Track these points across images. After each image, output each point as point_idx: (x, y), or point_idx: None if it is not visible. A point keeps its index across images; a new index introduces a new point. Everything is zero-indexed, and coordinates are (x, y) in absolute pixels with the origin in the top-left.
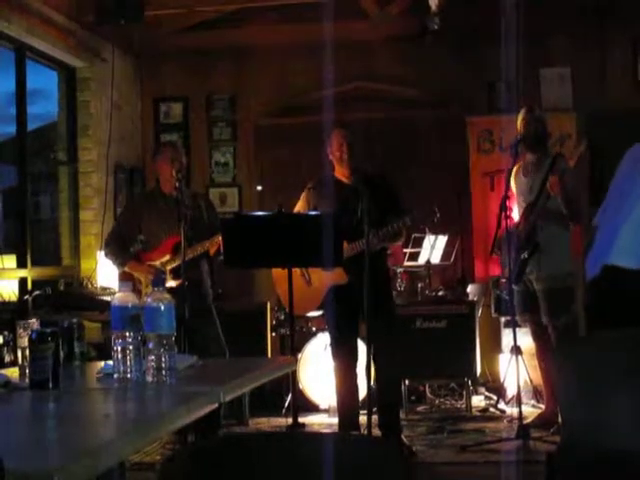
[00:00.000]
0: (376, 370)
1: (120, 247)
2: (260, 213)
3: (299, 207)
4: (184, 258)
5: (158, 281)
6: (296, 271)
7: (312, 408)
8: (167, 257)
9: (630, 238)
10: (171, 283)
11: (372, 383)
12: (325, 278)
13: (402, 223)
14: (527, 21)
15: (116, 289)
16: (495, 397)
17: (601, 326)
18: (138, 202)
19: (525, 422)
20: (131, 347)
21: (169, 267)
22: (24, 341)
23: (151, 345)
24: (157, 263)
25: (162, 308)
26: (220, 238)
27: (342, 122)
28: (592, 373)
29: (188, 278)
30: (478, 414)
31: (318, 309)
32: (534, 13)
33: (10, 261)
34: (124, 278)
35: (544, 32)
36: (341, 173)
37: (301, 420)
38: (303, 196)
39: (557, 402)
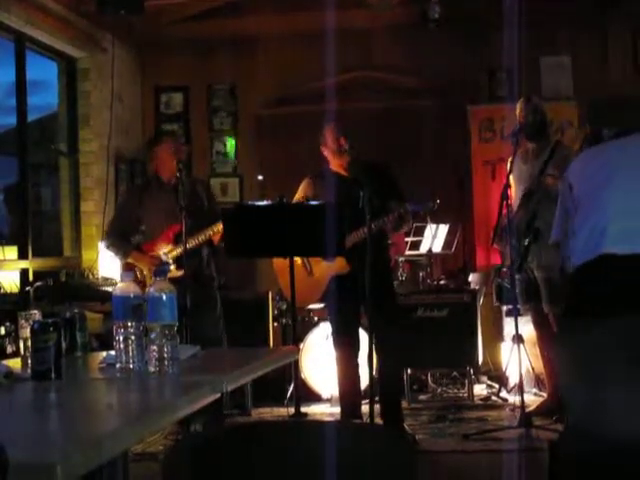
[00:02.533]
0: (378, 359)
1: (121, 239)
2: (261, 203)
3: (297, 198)
4: (185, 247)
5: (160, 271)
6: (297, 262)
7: (314, 398)
8: (169, 247)
9: (621, 225)
10: (174, 273)
11: (374, 372)
12: (326, 269)
13: (403, 210)
14: (528, 9)
15: (117, 280)
16: (497, 386)
17: (590, 314)
18: (136, 192)
19: (527, 410)
20: (133, 337)
21: (171, 257)
22: (26, 332)
23: (153, 335)
24: (160, 253)
25: (164, 298)
26: (220, 225)
27: (337, 115)
28: (593, 360)
29: (190, 267)
30: (480, 403)
31: (320, 301)
32: (535, 1)
33: (11, 252)
34: (127, 269)
35: (545, 20)
36: (338, 166)
37: (303, 410)
38: (302, 187)
39: (559, 390)
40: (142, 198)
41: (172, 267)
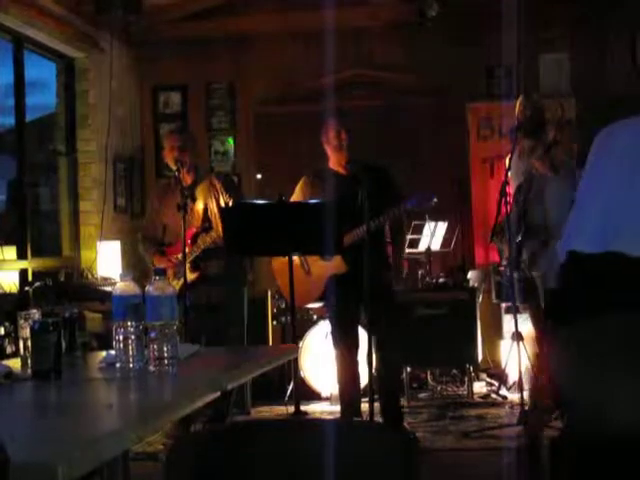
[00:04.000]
0: (377, 357)
1: (148, 243)
2: (260, 201)
3: (295, 198)
4: (184, 251)
5: (159, 270)
6: (295, 262)
7: (314, 396)
8: (187, 250)
9: (592, 222)
10: (188, 277)
11: (373, 370)
12: (324, 268)
13: (397, 210)
14: (526, 7)
15: (116, 279)
16: (497, 383)
17: (567, 311)
18: (158, 194)
19: (527, 408)
20: (133, 337)
21: (188, 260)
22: (25, 332)
23: (153, 334)
24: (178, 256)
25: (164, 297)
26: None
27: (337, 111)
28: (593, 356)
29: (207, 269)
30: (480, 400)
31: (318, 300)
32: None
33: (10, 252)
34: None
35: (543, 18)
36: (337, 163)
37: (303, 408)
38: (299, 186)
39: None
40: (162, 200)
41: (187, 270)
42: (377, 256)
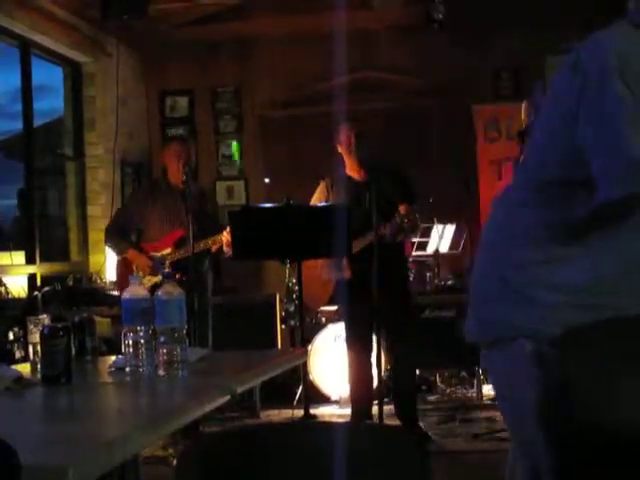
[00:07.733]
0: (393, 359)
1: (120, 235)
2: (267, 205)
3: (315, 200)
4: (193, 252)
5: (168, 275)
6: (314, 264)
7: (323, 399)
8: (168, 250)
9: None
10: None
11: (382, 373)
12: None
13: (400, 219)
14: (532, 8)
15: (112, 279)
16: None
17: None
18: (143, 192)
19: None
20: (142, 341)
21: (169, 260)
22: (35, 337)
23: (162, 338)
24: (158, 255)
25: (173, 301)
26: (222, 237)
27: (349, 115)
28: (603, 355)
29: (190, 274)
30: (489, 402)
31: (329, 303)
32: (539, 0)
33: (19, 257)
34: (122, 265)
35: (549, 19)
36: (352, 168)
37: (312, 411)
38: (317, 191)
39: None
40: (148, 199)
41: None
42: (392, 259)
